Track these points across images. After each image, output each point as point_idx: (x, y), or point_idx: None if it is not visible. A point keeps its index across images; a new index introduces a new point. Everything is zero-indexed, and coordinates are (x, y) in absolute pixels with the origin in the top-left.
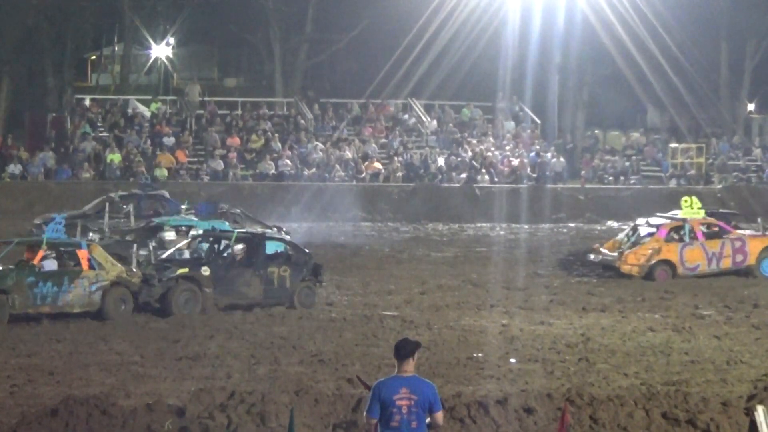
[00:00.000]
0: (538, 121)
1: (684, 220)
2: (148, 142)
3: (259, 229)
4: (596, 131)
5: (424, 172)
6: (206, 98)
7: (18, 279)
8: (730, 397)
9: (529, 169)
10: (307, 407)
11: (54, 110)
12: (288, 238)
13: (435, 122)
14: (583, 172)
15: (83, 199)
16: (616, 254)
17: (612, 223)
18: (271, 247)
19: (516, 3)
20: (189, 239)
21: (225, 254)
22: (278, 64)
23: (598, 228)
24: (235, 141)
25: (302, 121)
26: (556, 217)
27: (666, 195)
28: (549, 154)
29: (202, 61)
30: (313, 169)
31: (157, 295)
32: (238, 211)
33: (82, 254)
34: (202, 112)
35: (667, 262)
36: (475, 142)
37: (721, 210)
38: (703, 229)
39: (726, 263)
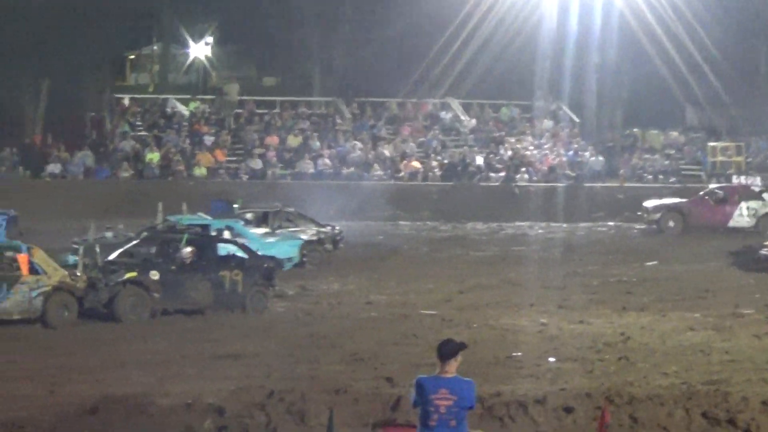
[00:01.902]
0: (577, 120)
1: None
2: (187, 141)
3: (314, 228)
4: (635, 130)
5: (463, 171)
6: (244, 97)
7: None
8: None
9: (567, 168)
10: (346, 406)
11: (93, 110)
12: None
13: (474, 121)
14: (621, 170)
15: (122, 198)
16: None
17: None
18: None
19: (554, 1)
20: (137, 240)
21: (174, 257)
22: (316, 63)
23: (637, 227)
24: (273, 140)
25: (340, 120)
26: (594, 216)
27: None
28: (587, 153)
29: (240, 60)
30: (351, 168)
31: (103, 300)
32: (292, 209)
33: (22, 258)
34: (240, 111)
35: None
36: (513, 140)
37: None
38: None
39: None
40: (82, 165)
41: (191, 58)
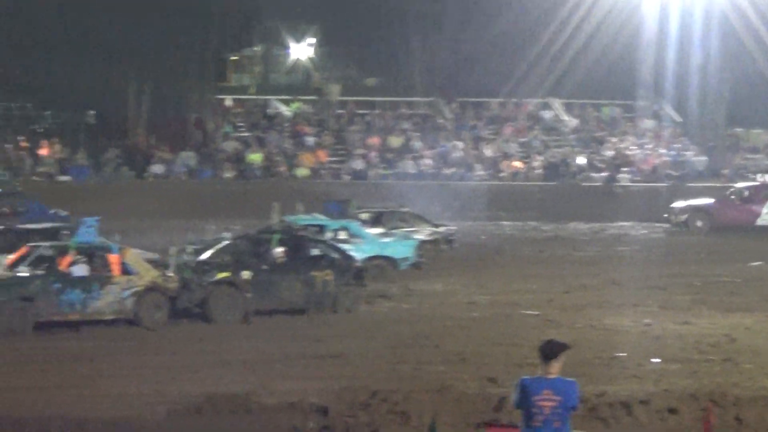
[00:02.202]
0: (679, 119)
1: None
2: (289, 141)
3: (428, 228)
4: (738, 129)
5: (564, 171)
6: (346, 98)
7: (43, 286)
8: None
9: (669, 168)
10: (449, 406)
11: (196, 111)
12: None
13: (575, 121)
14: (724, 170)
15: (225, 199)
16: None
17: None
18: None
19: (655, 0)
20: (228, 241)
21: (266, 257)
22: (418, 63)
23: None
24: (375, 140)
25: (441, 120)
26: None
27: None
28: (690, 153)
29: (342, 61)
30: (453, 168)
31: (196, 300)
32: (407, 209)
33: (114, 259)
34: (342, 111)
35: None
36: (615, 140)
37: None
38: None
39: None
40: (185, 165)
41: (293, 59)
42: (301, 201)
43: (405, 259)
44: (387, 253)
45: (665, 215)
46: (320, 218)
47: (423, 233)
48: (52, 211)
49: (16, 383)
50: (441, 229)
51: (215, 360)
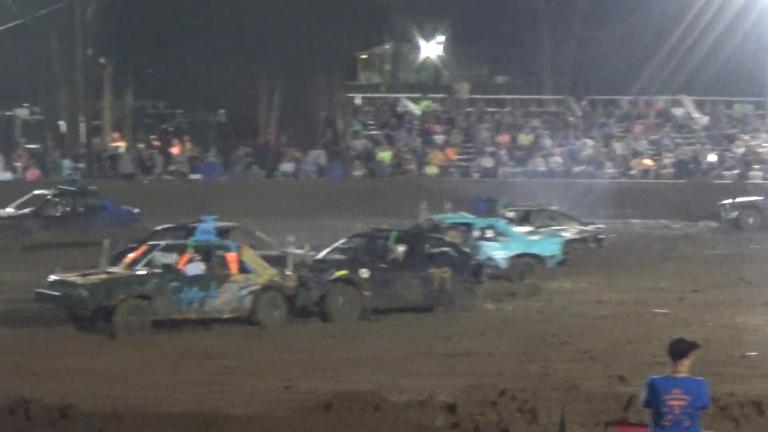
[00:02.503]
0: None
1: None
2: (418, 139)
3: (577, 227)
4: None
5: (695, 169)
6: (475, 96)
7: (161, 284)
8: None
9: None
10: (578, 405)
11: (326, 109)
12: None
13: (706, 118)
14: None
15: (354, 197)
16: None
17: None
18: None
19: None
20: (344, 239)
21: (383, 255)
22: (547, 61)
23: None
24: (504, 138)
25: (571, 118)
26: None
27: None
28: None
29: (471, 59)
30: (583, 166)
31: (315, 299)
32: (555, 207)
33: (231, 257)
34: (471, 109)
35: None
36: (746, 138)
37: None
38: None
39: None
40: (315, 164)
41: (422, 57)
42: (449, 200)
43: (552, 257)
44: (534, 251)
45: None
46: (467, 216)
47: (571, 231)
48: (124, 209)
49: (149, 380)
50: (590, 227)
51: (345, 358)
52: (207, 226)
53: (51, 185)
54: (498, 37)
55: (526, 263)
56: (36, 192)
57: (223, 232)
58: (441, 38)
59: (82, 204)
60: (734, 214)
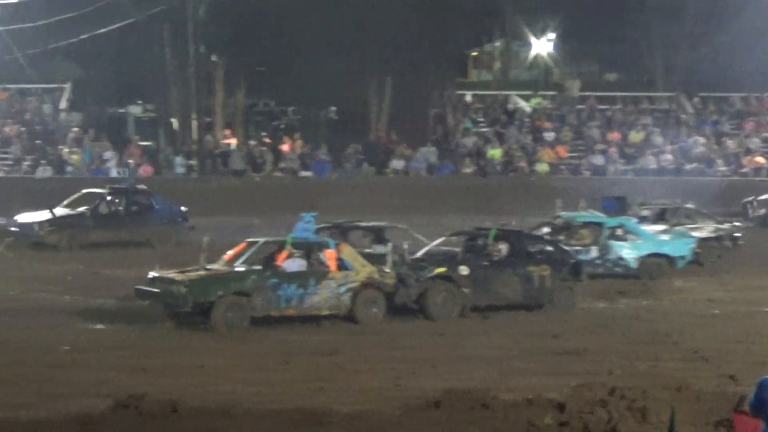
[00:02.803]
0: None
1: None
2: (529, 137)
3: (713, 225)
4: None
5: None
6: (586, 93)
7: (260, 281)
8: None
9: None
10: (688, 404)
11: (436, 106)
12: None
13: None
14: None
15: (464, 194)
16: None
17: None
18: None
19: None
20: (443, 237)
21: (484, 252)
22: (658, 59)
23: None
24: (615, 136)
25: (683, 116)
26: None
27: None
28: None
29: (581, 57)
30: (694, 164)
31: (414, 296)
32: (691, 205)
33: (330, 254)
34: (582, 107)
35: None
36: None
37: None
38: None
39: None
40: (424, 161)
41: (533, 54)
42: (584, 197)
43: (682, 257)
44: (664, 250)
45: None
46: (597, 215)
47: (705, 230)
48: (174, 207)
49: (258, 377)
50: (725, 225)
51: (454, 355)
52: (306, 223)
53: (103, 184)
54: (609, 34)
55: (656, 263)
56: (85, 190)
57: (378, 231)
58: (552, 35)
59: (135, 203)
60: (762, 211)
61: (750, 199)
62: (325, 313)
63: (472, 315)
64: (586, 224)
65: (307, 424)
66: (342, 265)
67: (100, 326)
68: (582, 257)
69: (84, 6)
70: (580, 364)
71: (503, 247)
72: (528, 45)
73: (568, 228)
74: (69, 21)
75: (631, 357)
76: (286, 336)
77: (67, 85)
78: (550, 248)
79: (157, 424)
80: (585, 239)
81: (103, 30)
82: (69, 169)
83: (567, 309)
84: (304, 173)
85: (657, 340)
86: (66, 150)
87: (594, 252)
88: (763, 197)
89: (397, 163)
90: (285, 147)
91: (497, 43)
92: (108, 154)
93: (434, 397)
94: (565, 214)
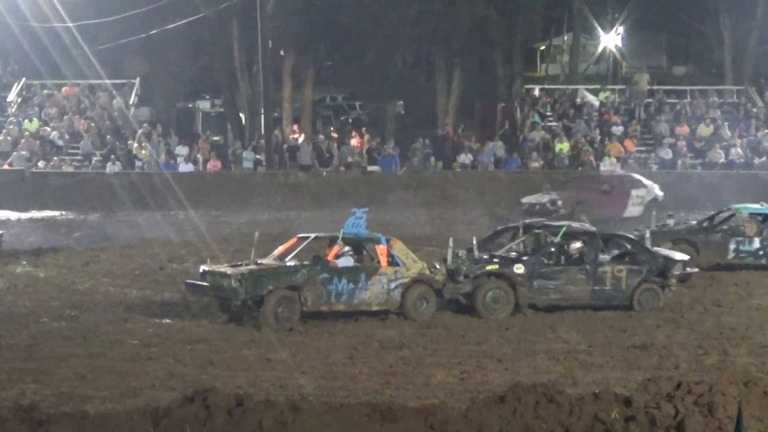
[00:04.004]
0: None
1: None
2: (597, 131)
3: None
4: None
5: None
6: (654, 87)
7: (310, 275)
8: None
9: None
10: (756, 399)
11: (504, 100)
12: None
13: None
14: None
15: (533, 188)
16: None
17: None
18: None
19: None
20: (523, 236)
21: (549, 250)
22: (728, 52)
23: None
24: (683, 129)
25: (753, 109)
26: None
27: None
28: None
29: (650, 50)
30: (764, 158)
31: (464, 292)
32: None
33: (381, 250)
34: (650, 100)
35: None
36: None
37: None
38: None
39: None
40: (492, 155)
41: (601, 47)
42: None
43: None
44: None
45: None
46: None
47: None
48: None
49: (324, 370)
50: None
51: (519, 349)
52: (357, 219)
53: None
54: (678, 27)
55: None
56: None
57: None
58: (620, 29)
59: None
60: None
61: None
62: (375, 308)
63: (529, 313)
64: (753, 215)
65: (374, 418)
66: (393, 261)
67: (167, 320)
68: (744, 248)
69: (154, 2)
70: (647, 359)
71: (574, 246)
72: (596, 38)
73: (730, 219)
74: (138, 17)
75: (698, 351)
76: (352, 330)
77: (137, 81)
78: (632, 248)
79: (224, 417)
80: (749, 230)
81: (172, 25)
82: (138, 164)
83: (649, 311)
84: (371, 168)
85: (725, 334)
86: (135, 145)
87: (756, 243)
88: None
89: (464, 158)
90: (353, 141)
91: (566, 37)
92: (178, 149)
93: (500, 391)
94: (735, 206)
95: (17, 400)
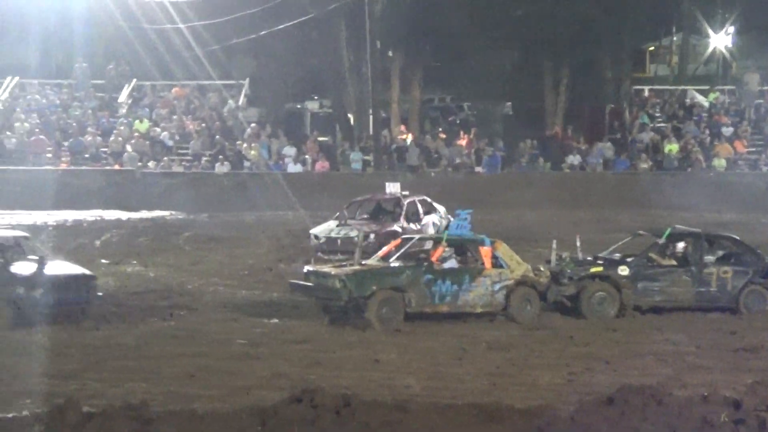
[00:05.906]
0: None
1: None
2: (706, 132)
3: None
4: None
5: None
6: (765, 87)
7: (414, 277)
8: None
9: None
10: None
11: (612, 101)
12: None
13: None
14: None
15: (642, 191)
16: None
17: None
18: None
19: None
20: (631, 236)
21: (654, 252)
22: None
23: None
24: None
25: None
26: None
27: None
28: None
29: (761, 50)
30: None
31: (568, 294)
32: None
33: (485, 251)
34: (761, 101)
35: None
36: None
37: None
38: None
39: None
40: (600, 156)
41: (711, 48)
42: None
43: None
44: None
45: None
46: None
47: None
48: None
49: (432, 371)
50: None
51: (628, 352)
52: (462, 220)
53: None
54: None
55: None
56: None
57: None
58: (730, 29)
59: None
60: None
61: None
62: (479, 311)
63: (635, 315)
64: None
65: (481, 419)
66: (497, 263)
67: (274, 320)
68: None
69: (263, 3)
70: (757, 362)
71: (682, 247)
72: (706, 39)
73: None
74: (248, 18)
75: None
76: (459, 331)
77: (245, 81)
78: (737, 249)
79: (331, 417)
80: None
81: (280, 26)
82: (247, 164)
83: (754, 313)
84: (479, 168)
85: None
86: (244, 145)
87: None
88: None
89: (573, 159)
90: (461, 142)
91: (675, 38)
92: (286, 150)
93: (608, 393)
94: None
95: (126, 399)
